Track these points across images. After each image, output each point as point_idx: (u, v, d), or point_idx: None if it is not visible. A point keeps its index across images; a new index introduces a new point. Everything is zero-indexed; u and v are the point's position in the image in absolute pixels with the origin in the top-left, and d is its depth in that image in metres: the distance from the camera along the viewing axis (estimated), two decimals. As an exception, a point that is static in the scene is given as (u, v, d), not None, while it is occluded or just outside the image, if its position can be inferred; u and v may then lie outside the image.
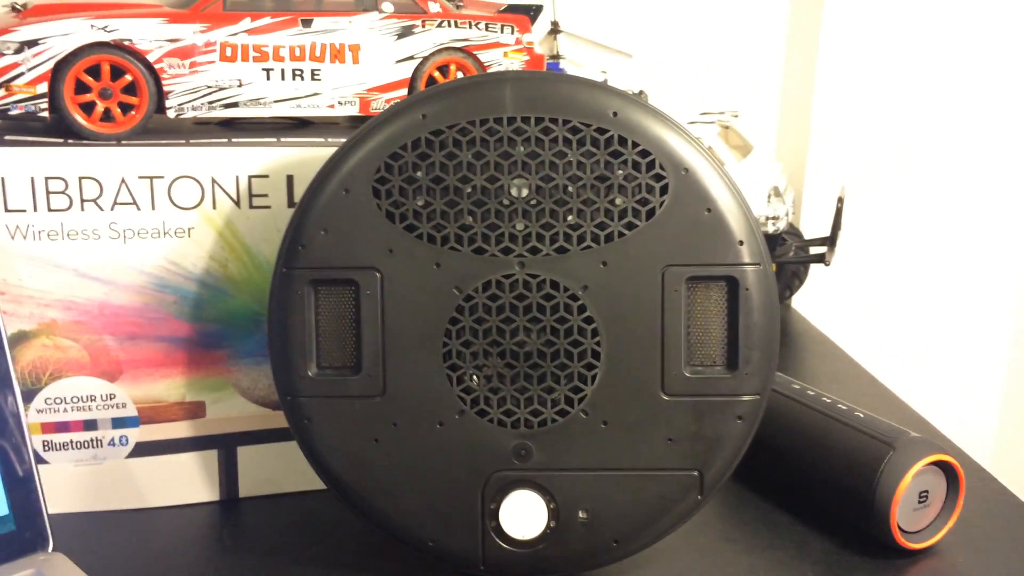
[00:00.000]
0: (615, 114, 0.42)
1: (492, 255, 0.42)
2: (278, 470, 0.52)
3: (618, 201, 0.42)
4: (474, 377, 0.43)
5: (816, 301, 0.95)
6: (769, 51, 0.95)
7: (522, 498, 0.43)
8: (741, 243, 0.42)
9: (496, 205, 0.42)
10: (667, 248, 0.42)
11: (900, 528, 0.46)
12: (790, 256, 0.80)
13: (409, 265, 0.43)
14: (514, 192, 0.42)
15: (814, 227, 0.94)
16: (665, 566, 0.46)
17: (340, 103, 0.52)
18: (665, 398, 0.43)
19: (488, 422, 0.43)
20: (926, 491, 0.47)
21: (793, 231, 0.82)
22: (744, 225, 0.42)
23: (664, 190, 0.42)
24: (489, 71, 0.54)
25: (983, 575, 0.46)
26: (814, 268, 0.87)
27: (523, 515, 0.43)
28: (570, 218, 0.42)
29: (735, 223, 0.42)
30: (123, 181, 0.48)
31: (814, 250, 0.80)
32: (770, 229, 0.74)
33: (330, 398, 0.43)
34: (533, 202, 0.42)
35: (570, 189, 0.42)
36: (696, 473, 0.43)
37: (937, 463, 0.47)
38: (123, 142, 0.48)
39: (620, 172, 0.42)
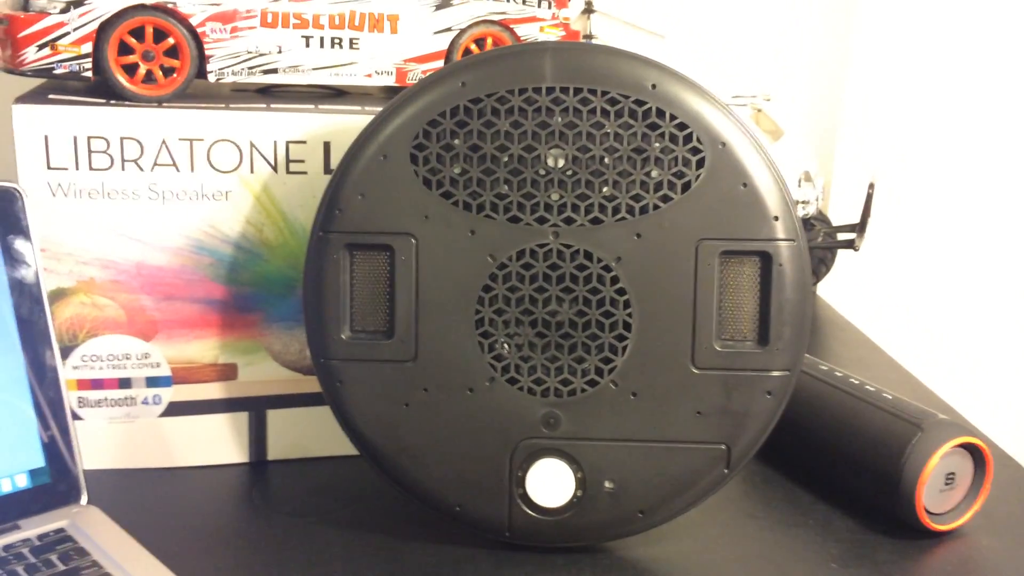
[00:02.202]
0: (654, 86, 0.42)
1: (527, 224, 0.43)
2: (307, 435, 0.53)
3: (654, 173, 0.42)
4: (505, 345, 0.43)
5: (841, 288, 0.94)
6: (802, 36, 0.95)
7: (549, 466, 0.44)
8: (776, 219, 0.42)
9: (532, 174, 0.42)
10: (702, 222, 0.42)
11: (926, 509, 0.46)
12: (819, 241, 0.80)
13: (444, 232, 0.43)
14: (550, 162, 0.43)
15: (841, 215, 0.93)
16: (688, 540, 0.46)
17: (377, 73, 0.53)
18: (695, 371, 0.43)
19: (518, 390, 0.43)
20: (952, 473, 0.47)
21: (821, 217, 0.82)
22: (779, 201, 0.42)
23: (700, 163, 0.42)
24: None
25: (1008, 559, 0.46)
26: (840, 256, 0.87)
27: (550, 483, 0.44)
28: (605, 189, 0.42)
29: (770, 199, 0.42)
30: (163, 143, 0.48)
31: (842, 236, 0.80)
32: (800, 213, 0.74)
33: (362, 362, 0.44)
34: (569, 172, 0.42)
35: (606, 160, 0.42)
36: (724, 447, 0.43)
37: (964, 445, 0.47)
38: (164, 104, 0.49)
39: (657, 144, 0.42)
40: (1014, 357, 1.06)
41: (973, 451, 0.47)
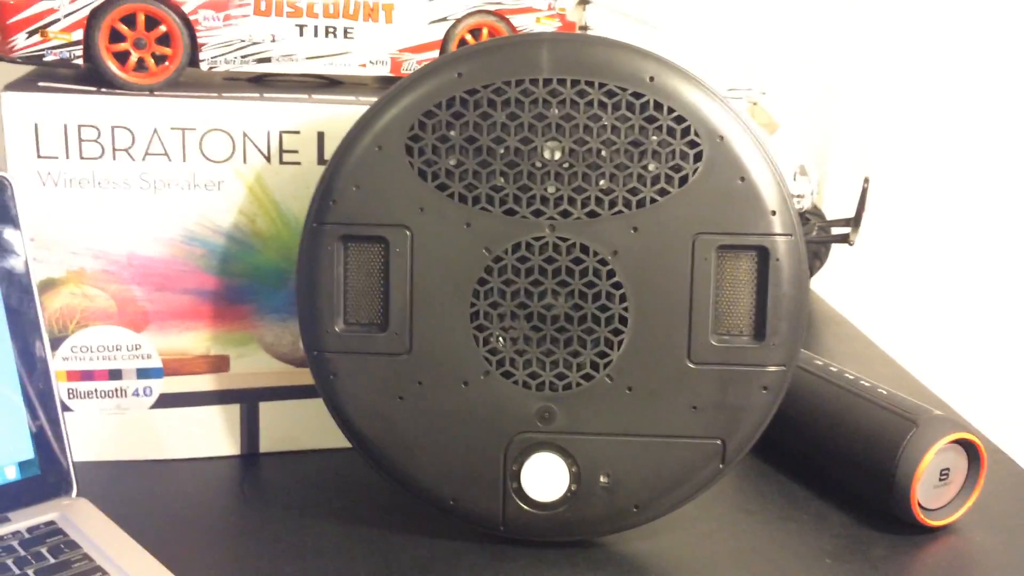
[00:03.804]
0: (652, 79, 0.42)
1: (523, 217, 0.42)
2: (299, 427, 0.53)
3: (651, 167, 0.42)
4: (500, 338, 0.43)
5: (836, 283, 0.94)
6: (799, 30, 0.94)
7: (544, 460, 0.43)
8: (773, 213, 0.42)
9: (528, 167, 0.42)
10: (699, 215, 0.42)
11: (920, 505, 0.46)
12: (813, 236, 0.80)
13: (439, 224, 0.43)
14: (547, 154, 0.42)
15: (836, 210, 0.93)
16: (683, 534, 0.46)
17: (372, 63, 0.52)
18: (691, 366, 0.43)
19: (513, 384, 0.43)
20: (947, 469, 0.46)
21: (816, 211, 0.82)
22: (777, 195, 0.42)
23: (698, 157, 0.42)
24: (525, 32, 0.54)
25: (1001, 554, 0.46)
26: (834, 251, 0.87)
27: (544, 477, 0.44)
28: (602, 182, 0.42)
29: (768, 193, 0.42)
30: (155, 132, 0.48)
31: (837, 230, 0.80)
32: (795, 207, 0.74)
33: (356, 354, 0.43)
34: (566, 165, 0.42)
35: (603, 153, 0.42)
36: (719, 442, 0.43)
37: (959, 441, 0.46)
38: (156, 93, 0.48)
39: (654, 138, 0.42)
40: (1009, 352, 1.06)
41: (968, 447, 0.47)
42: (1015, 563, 0.45)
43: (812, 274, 0.85)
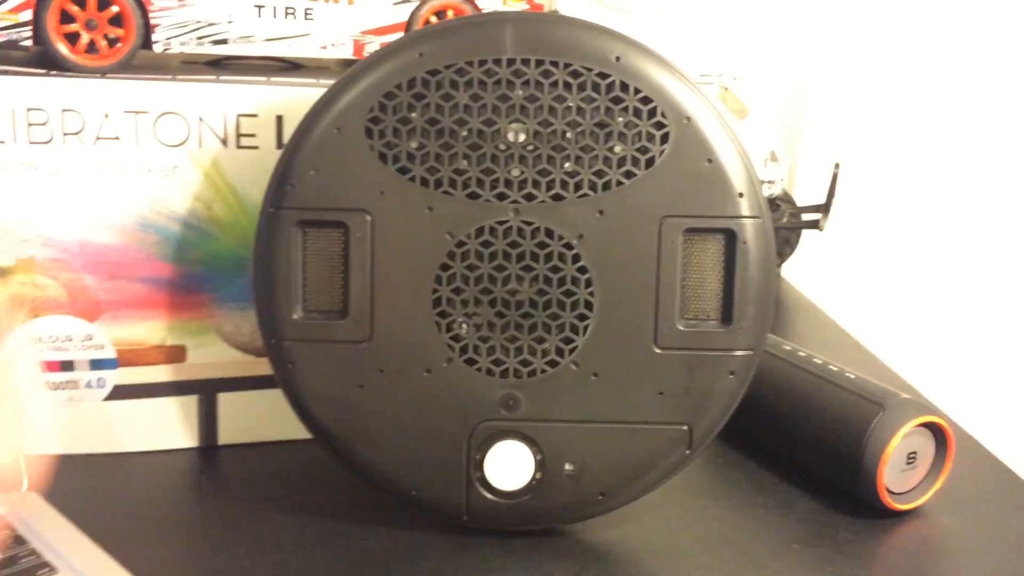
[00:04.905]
0: (618, 59, 0.41)
1: (486, 200, 0.41)
2: (259, 418, 0.51)
3: (617, 149, 0.41)
4: (464, 325, 0.42)
5: (806, 269, 0.94)
6: (771, 16, 0.94)
7: (508, 448, 0.43)
8: (741, 195, 0.41)
9: (492, 149, 0.41)
10: (665, 198, 0.41)
11: (887, 489, 0.46)
12: (784, 222, 0.79)
13: (400, 208, 0.42)
14: (511, 136, 0.41)
15: (807, 197, 0.93)
16: (649, 522, 0.46)
17: (333, 45, 0.51)
18: (657, 351, 0.42)
19: (476, 371, 0.42)
20: (914, 453, 0.46)
21: (786, 197, 0.82)
22: (744, 178, 0.42)
23: (665, 139, 0.41)
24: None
25: (968, 538, 0.46)
26: (804, 237, 0.87)
27: (509, 466, 0.43)
28: (567, 165, 0.41)
29: (735, 175, 0.41)
30: (106, 115, 0.46)
31: (807, 217, 0.80)
32: (765, 193, 0.74)
33: (315, 342, 0.42)
34: (530, 147, 0.41)
35: (568, 135, 0.41)
36: (686, 427, 0.42)
37: (926, 425, 0.46)
38: (107, 75, 0.47)
39: (620, 119, 0.41)
40: (977, 336, 1.07)
41: (935, 430, 0.47)
42: (982, 546, 0.45)
43: (782, 260, 0.85)
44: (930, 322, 1.04)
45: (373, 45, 0.51)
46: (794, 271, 0.92)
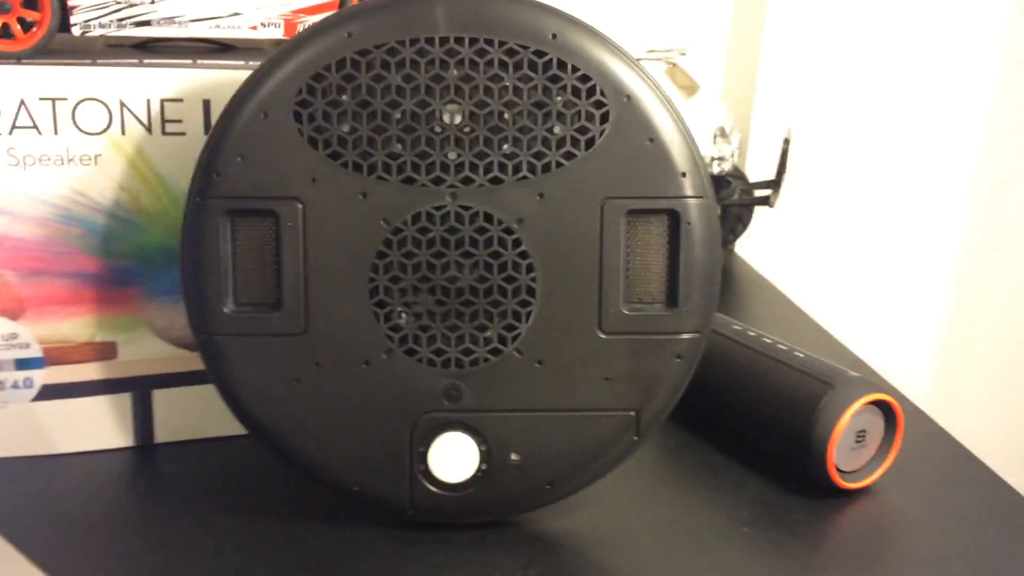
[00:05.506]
0: (554, 36, 0.40)
1: (422, 185, 0.40)
2: (198, 414, 0.50)
3: (556, 129, 0.40)
4: (402, 314, 0.41)
5: (758, 246, 0.94)
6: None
7: (452, 440, 0.42)
8: (684, 175, 0.40)
9: (427, 132, 0.40)
10: (607, 179, 0.40)
11: (837, 468, 0.46)
12: (735, 198, 0.79)
13: (333, 195, 0.40)
14: (446, 118, 0.40)
15: (759, 172, 0.93)
16: (599, 509, 0.45)
17: (263, 24, 0.49)
18: (602, 336, 0.41)
19: (417, 361, 0.41)
20: (864, 431, 0.46)
21: (738, 174, 0.81)
22: (687, 156, 0.40)
23: (604, 118, 0.40)
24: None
25: (919, 515, 0.45)
26: (757, 214, 0.86)
27: (453, 458, 0.42)
28: (505, 147, 0.40)
29: (678, 154, 0.40)
30: (22, 103, 0.44)
31: (759, 193, 0.79)
32: (715, 170, 0.73)
33: (248, 336, 0.41)
34: (466, 129, 0.40)
35: (506, 116, 0.40)
36: (633, 413, 0.42)
37: (875, 402, 0.46)
38: (23, 61, 0.44)
39: (559, 98, 0.40)
40: (927, 310, 1.07)
41: (884, 408, 0.46)
42: (932, 523, 0.45)
43: (735, 237, 0.85)
44: (883, 297, 1.05)
45: (306, 25, 0.49)
46: (747, 247, 0.92)
